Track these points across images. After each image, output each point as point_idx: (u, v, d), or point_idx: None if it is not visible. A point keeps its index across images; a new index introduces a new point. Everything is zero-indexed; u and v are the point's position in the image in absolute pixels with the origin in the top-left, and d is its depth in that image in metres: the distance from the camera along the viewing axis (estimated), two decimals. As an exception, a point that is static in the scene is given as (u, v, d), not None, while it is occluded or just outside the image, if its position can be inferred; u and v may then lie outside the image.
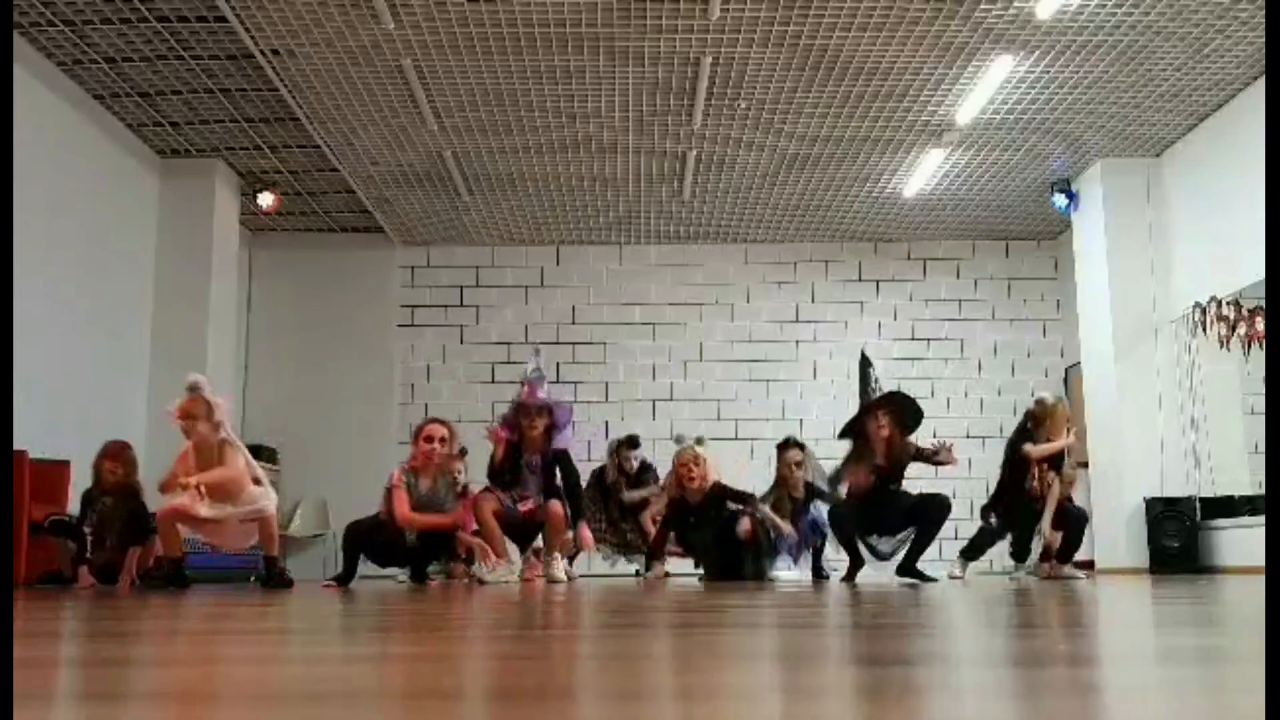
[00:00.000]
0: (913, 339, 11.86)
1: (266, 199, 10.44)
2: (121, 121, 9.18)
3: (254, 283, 11.88)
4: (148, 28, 7.60)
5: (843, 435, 7.17)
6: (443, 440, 6.87)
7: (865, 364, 7.20)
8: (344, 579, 6.86)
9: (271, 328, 11.77)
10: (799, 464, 7.96)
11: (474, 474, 7.57)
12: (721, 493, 7.52)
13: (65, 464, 7.14)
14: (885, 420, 6.88)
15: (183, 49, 7.91)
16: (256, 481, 6.31)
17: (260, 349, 11.78)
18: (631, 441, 8.93)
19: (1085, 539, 10.04)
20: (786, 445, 8.08)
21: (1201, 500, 9.28)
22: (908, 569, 6.83)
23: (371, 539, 6.87)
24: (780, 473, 7.97)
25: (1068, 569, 7.26)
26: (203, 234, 9.95)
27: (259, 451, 11.17)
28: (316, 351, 11.52)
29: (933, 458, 6.95)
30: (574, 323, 12.03)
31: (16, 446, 6.69)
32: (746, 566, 7.29)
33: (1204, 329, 9.13)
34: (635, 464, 8.86)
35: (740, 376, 11.91)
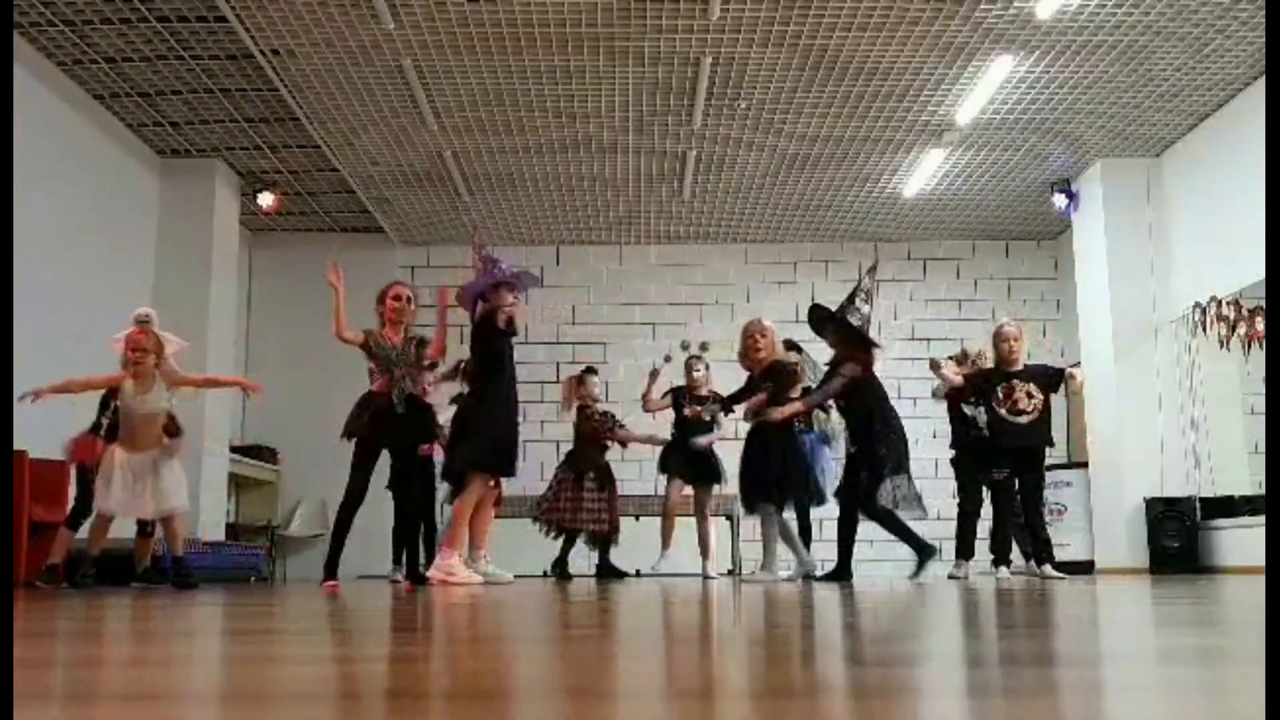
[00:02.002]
0: (913, 339, 11.85)
1: (266, 199, 10.45)
2: (121, 121, 9.18)
3: (254, 282, 11.89)
4: (148, 28, 7.61)
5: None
6: (408, 299, 6.88)
7: (873, 270, 7.15)
8: (330, 567, 6.64)
9: (271, 328, 11.77)
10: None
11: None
12: (780, 370, 7.43)
13: (65, 464, 7.14)
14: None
15: (183, 49, 7.91)
16: (170, 432, 6.40)
17: (260, 349, 11.79)
18: (590, 369, 8.75)
19: (1086, 539, 10.11)
20: (784, 347, 8.03)
21: (1201, 500, 9.28)
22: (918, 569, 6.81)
23: (366, 444, 6.57)
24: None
25: (1047, 569, 7.21)
26: (203, 234, 9.96)
27: (259, 451, 11.21)
28: (316, 351, 11.51)
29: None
30: (574, 323, 12.03)
31: (16, 446, 6.69)
32: (792, 484, 7.10)
33: (1204, 329, 9.13)
34: (595, 389, 8.56)
35: (740, 376, 11.89)
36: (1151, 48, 7.84)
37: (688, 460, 8.10)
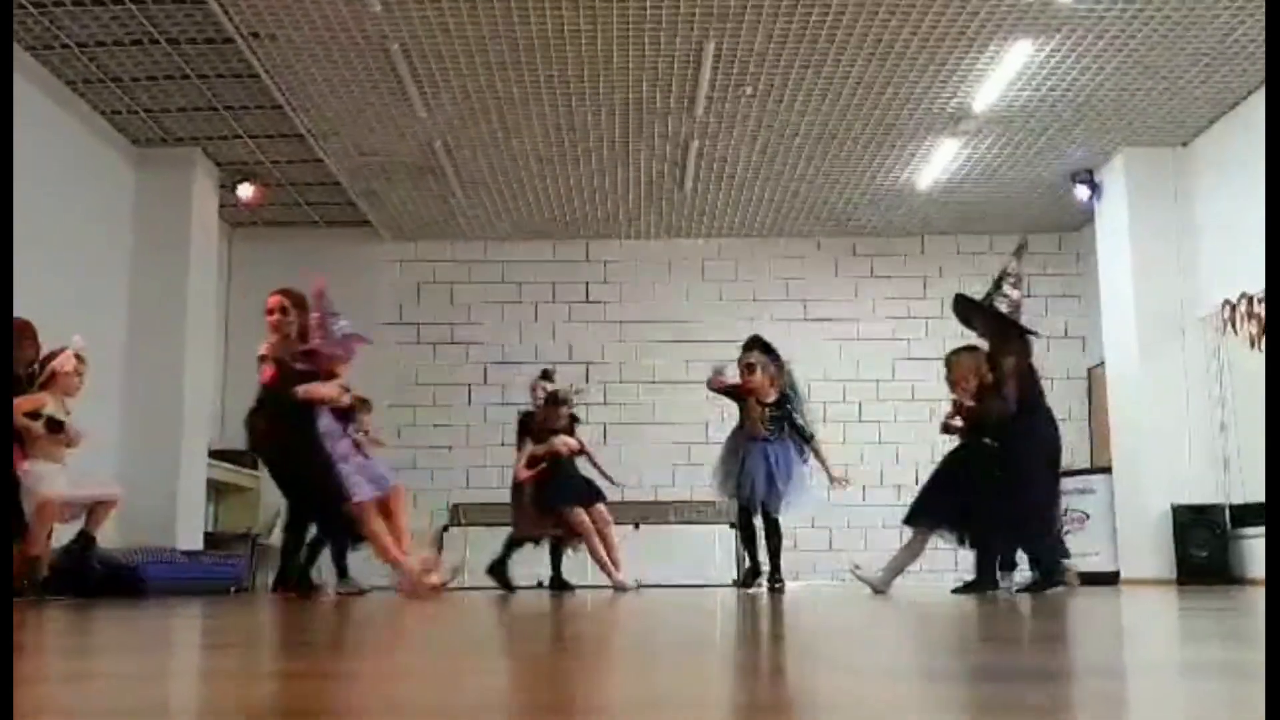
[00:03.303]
0: (927, 336, 11.83)
1: (247, 191, 10.44)
2: (95, 109, 9.18)
3: (234, 278, 11.87)
4: (122, 10, 7.60)
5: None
6: (284, 310, 6.86)
7: (1019, 251, 7.10)
8: (297, 582, 6.74)
9: (252, 325, 11.71)
10: (751, 366, 7.83)
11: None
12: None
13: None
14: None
15: (158, 32, 7.91)
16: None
17: (241, 347, 11.72)
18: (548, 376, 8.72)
19: (1110, 548, 10.08)
20: (748, 346, 7.97)
21: (1231, 508, 9.26)
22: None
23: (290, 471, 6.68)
24: (742, 378, 7.92)
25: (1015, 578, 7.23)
26: (181, 227, 9.95)
27: (239, 456, 11.18)
28: (300, 351, 11.52)
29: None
30: (570, 320, 12.03)
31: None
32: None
33: (1234, 327, 9.12)
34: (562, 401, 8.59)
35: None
36: (1179, 31, 7.83)
37: (572, 487, 8.31)
